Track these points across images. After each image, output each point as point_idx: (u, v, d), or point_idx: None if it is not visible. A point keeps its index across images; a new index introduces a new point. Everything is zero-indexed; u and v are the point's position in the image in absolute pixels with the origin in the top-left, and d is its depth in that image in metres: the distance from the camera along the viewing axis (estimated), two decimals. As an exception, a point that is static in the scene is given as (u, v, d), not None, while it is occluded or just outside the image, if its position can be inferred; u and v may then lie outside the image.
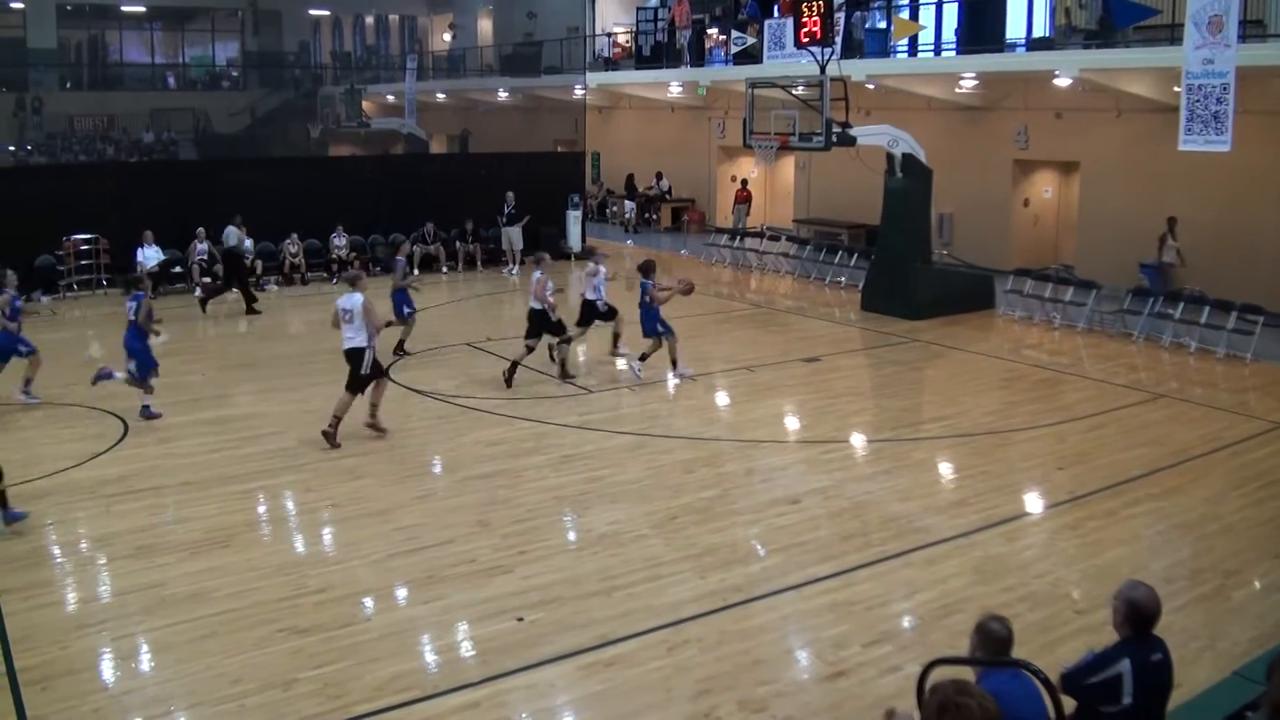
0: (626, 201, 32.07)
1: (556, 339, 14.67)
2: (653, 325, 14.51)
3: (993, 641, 4.96)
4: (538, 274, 14.34)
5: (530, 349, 14.31)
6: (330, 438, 11.74)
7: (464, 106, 36.97)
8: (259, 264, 21.85)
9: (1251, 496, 10.43)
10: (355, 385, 11.85)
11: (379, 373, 12.10)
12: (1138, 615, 5.11)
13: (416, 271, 17.39)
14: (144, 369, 12.74)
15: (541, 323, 14.30)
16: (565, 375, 14.66)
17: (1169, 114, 17.14)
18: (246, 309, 19.50)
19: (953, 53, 23.19)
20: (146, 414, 12.73)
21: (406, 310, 15.76)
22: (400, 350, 15.85)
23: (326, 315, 19.59)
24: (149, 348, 12.87)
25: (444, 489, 10.78)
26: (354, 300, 11.82)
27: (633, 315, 14.98)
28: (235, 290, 19.81)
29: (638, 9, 32.04)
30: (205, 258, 21.28)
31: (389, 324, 14.86)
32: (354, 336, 11.80)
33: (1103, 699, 5.03)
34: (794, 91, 18.16)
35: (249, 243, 20.69)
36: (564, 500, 10.32)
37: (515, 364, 14.24)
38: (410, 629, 7.79)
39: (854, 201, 24.36)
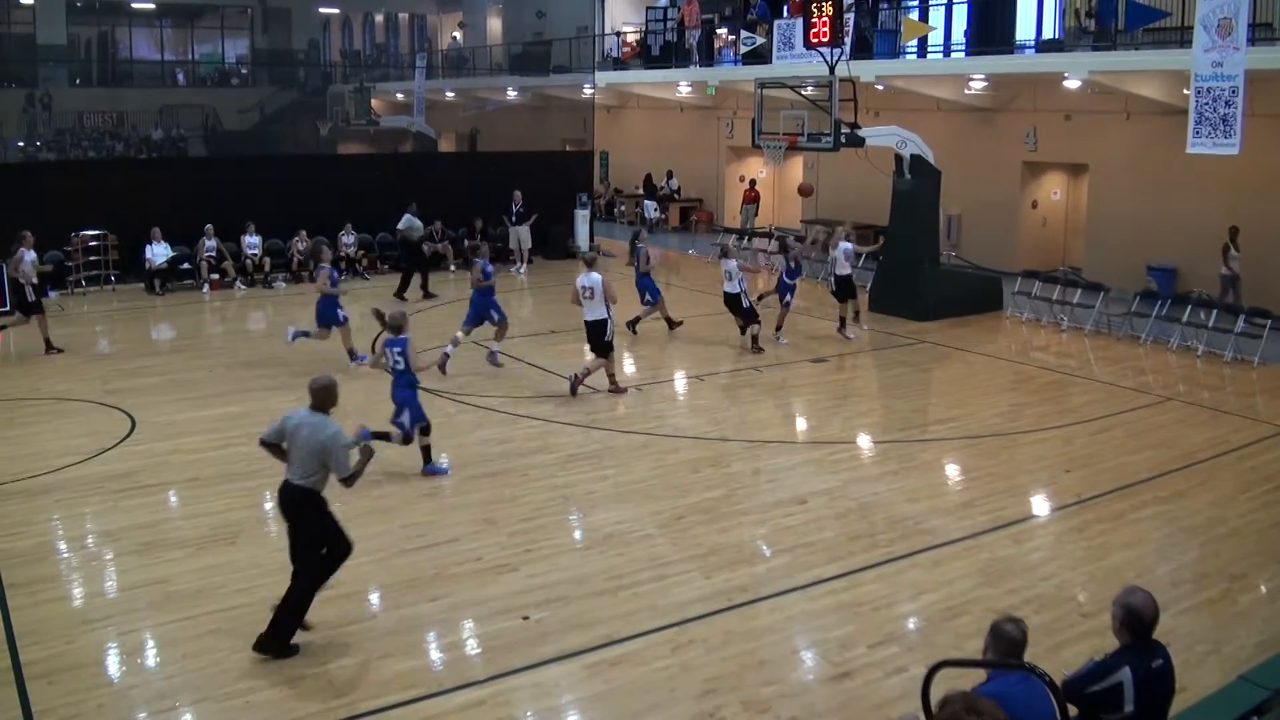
0: (647, 202, 31.97)
1: (746, 324, 16.37)
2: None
3: (1005, 643, 4.95)
4: (735, 262, 16.11)
5: (743, 329, 16.44)
6: (574, 388, 13.76)
7: (473, 105, 37.00)
8: (267, 260, 21.89)
9: (1259, 500, 10.40)
10: (602, 350, 13.67)
11: (609, 348, 13.79)
12: (1135, 621, 5.10)
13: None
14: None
15: (735, 306, 16.26)
16: (756, 348, 16.35)
17: (1178, 116, 17.10)
18: (424, 294, 20.54)
19: (962, 54, 23.16)
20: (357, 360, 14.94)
21: (649, 297, 17.19)
22: (672, 326, 17.53)
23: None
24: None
25: (450, 487, 10.78)
26: (593, 279, 13.50)
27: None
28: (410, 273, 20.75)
29: (647, 8, 32.07)
30: (214, 254, 21.32)
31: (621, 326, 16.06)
32: (596, 310, 13.51)
33: (1104, 708, 5.03)
34: (803, 92, 18.13)
35: (419, 225, 21.68)
36: (570, 499, 10.32)
37: (755, 337, 16.38)
38: (416, 626, 7.79)
39: (863, 202, 24.33)
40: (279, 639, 7.19)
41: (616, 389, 13.89)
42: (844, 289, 17.33)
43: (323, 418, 7.33)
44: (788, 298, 16.75)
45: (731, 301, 16.20)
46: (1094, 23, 19.02)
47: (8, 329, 16.25)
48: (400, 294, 20.17)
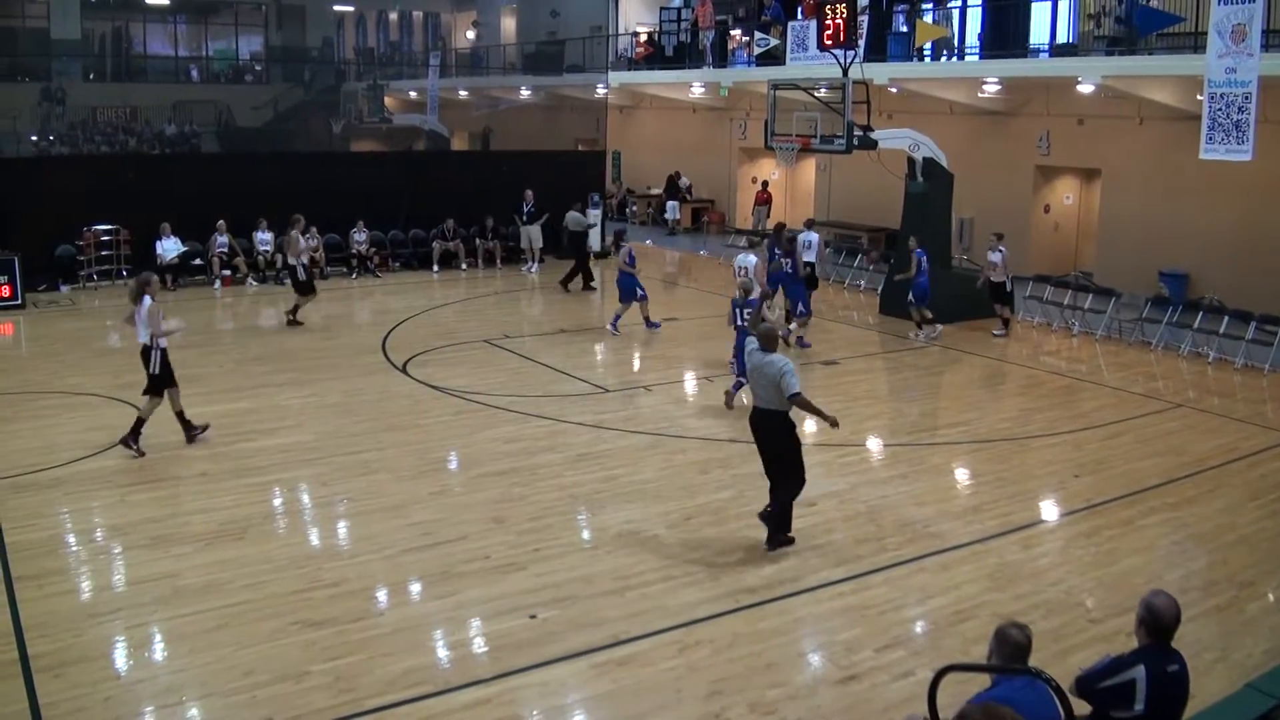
0: (670, 202, 31.91)
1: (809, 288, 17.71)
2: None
3: (1010, 648, 4.95)
4: (816, 235, 18.12)
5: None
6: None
7: (486, 104, 37.01)
8: (279, 257, 21.89)
9: (1268, 508, 10.36)
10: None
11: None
12: (1154, 621, 5.11)
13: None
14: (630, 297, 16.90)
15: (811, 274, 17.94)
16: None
17: (1191, 122, 17.05)
18: (584, 286, 21.62)
19: (976, 57, 23.11)
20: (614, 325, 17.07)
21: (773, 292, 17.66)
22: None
23: (343, 310, 19.89)
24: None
25: (459, 485, 10.80)
26: (749, 259, 14.57)
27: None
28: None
29: (661, 9, 32.05)
30: (225, 250, 21.35)
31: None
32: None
33: (1115, 704, 5.02)
34: (816, 94, 18.11)
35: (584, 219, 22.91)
36: (578, 499, 10.33)
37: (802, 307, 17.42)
38: (423, 624, 7.81)
39: (874, 205, 24.32)
40: (780, 535, 9.10)
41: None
42: (996, 293, 17.91)
43: (773, 355, 8.84)
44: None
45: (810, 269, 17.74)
46: (1119, 26, 18.94)
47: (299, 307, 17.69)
48: (565, 284, 21.36)
